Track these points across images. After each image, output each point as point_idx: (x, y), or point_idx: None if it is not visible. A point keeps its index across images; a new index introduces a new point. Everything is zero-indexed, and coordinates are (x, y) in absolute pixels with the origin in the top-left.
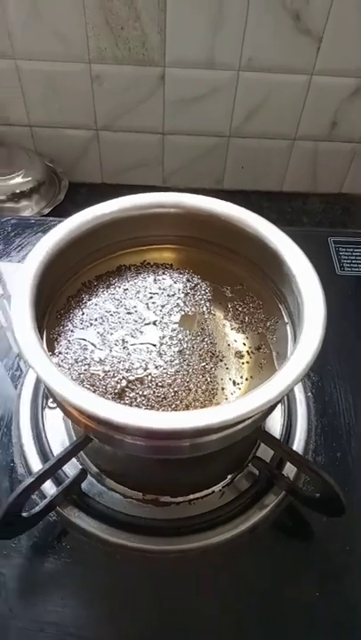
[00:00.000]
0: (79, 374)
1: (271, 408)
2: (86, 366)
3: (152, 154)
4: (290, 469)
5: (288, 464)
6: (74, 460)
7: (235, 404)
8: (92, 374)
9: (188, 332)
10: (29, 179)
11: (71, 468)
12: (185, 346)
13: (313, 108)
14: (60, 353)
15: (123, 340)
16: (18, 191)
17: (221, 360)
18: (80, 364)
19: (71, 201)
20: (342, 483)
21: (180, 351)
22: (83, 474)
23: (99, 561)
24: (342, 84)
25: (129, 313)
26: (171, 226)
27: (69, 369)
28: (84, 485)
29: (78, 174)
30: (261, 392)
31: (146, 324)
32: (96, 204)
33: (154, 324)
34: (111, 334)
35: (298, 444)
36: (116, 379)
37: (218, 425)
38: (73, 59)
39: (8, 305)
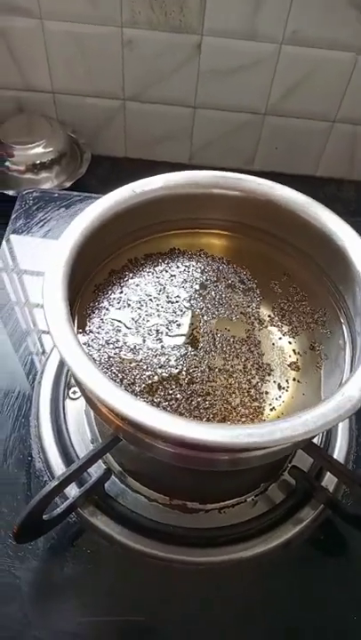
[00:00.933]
0: (109, 357)
1: None
2: (117, 350)
3: (180, 128)
4: (329, 481)
5: (327, 476)
6: None
7: (286, 422)
8: (123, 360)
9: (233, 338)
10: (50, 149)
11: (94, 468)
12: (228, 354)
13: (357, 89)
14: (90, 331)
15: (157, 331)
16: (38, 162)
17: (269, 374)
18: (111, 346)
19: (93, 175)
20: None
21: (223, 359)
22: (107, 474)
23: (120, 568)
24: None
25: (170, 302)
26: (225, 209)
27: (99, 350)
28: (106, 485)
29: (100, 146)
30: (316, 415)
31: (185, 318)
32: (124, 179)
33: (195, 321)
34: (147, 321)
35: (338, 453)
36: (148, 372)
37: (264, 445)
38: (104, 21)
39: (27, 281)
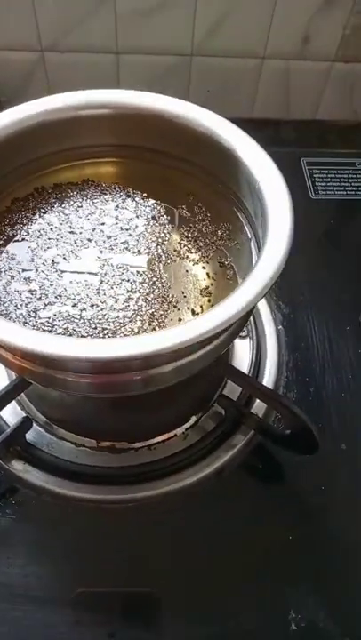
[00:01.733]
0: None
1: (235, 331)
2: (9, 279)
3: (105, 77)
4: (259, 408)
5: (257, 403)
6: (16, 407)
7: (189, 324)
8: (16, 290)
9: (136, 272)
10: None
11: (13, 417)
12: (130, 288)
13: (282, 20)
14: None
15: (53, 261)
16: None
17: (176, 305)
18: (2, 274)
19: None
20: (316, 418)
21: (126, 291)
22: (26, 422)
23: (49, 516)
24: None
25: (72, 232)
26: (109, 131)
27: None
28: (31, 436)
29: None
30: (220, 309)
31: (85, 249)
32: None
33: (96, 253)
34: (45, 250)
35: (267, 380)
36: (40, 303)
37: (171, 348)
38: None
39: None
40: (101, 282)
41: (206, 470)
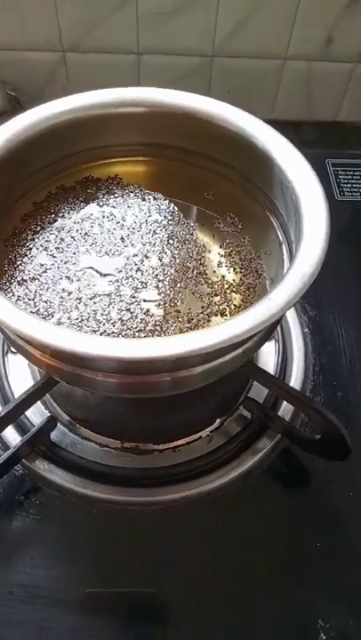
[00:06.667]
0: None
1: (266, 334)
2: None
3: (127, 77)
4: (286, 411)
5: (284, 406)
6: (41, 407)
7: (222, 326)
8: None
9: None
10: None
11: (38, 416)
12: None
13: (306, 21)
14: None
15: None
16: None
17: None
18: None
19: None
20: (344, 423)
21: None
22: (51, 422)
23: (73, 517)
24: None
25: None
26: (140, 130)
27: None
28: (55, 436)
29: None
30: (253, 312)
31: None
32: None
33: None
34: (75, 240)
35: (294, 383)
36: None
37: (206, 349)
38: None
39: None
40: (111, 303)
41: (232, 474)
